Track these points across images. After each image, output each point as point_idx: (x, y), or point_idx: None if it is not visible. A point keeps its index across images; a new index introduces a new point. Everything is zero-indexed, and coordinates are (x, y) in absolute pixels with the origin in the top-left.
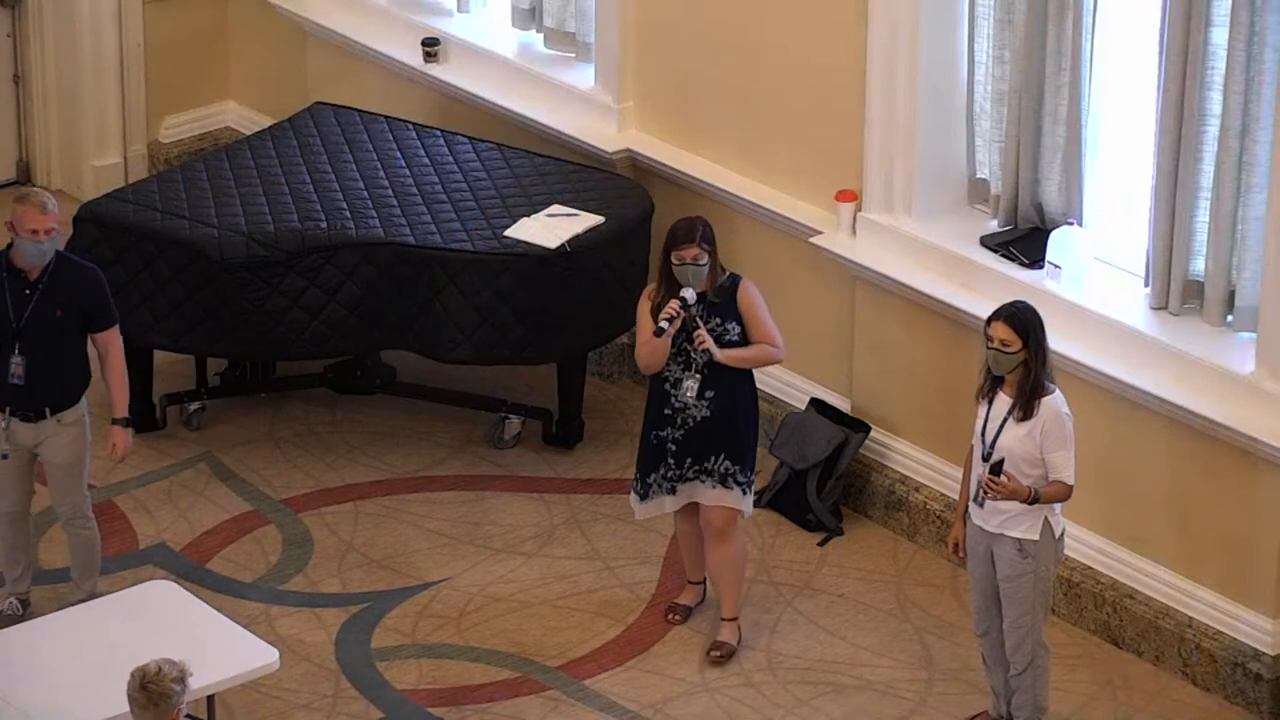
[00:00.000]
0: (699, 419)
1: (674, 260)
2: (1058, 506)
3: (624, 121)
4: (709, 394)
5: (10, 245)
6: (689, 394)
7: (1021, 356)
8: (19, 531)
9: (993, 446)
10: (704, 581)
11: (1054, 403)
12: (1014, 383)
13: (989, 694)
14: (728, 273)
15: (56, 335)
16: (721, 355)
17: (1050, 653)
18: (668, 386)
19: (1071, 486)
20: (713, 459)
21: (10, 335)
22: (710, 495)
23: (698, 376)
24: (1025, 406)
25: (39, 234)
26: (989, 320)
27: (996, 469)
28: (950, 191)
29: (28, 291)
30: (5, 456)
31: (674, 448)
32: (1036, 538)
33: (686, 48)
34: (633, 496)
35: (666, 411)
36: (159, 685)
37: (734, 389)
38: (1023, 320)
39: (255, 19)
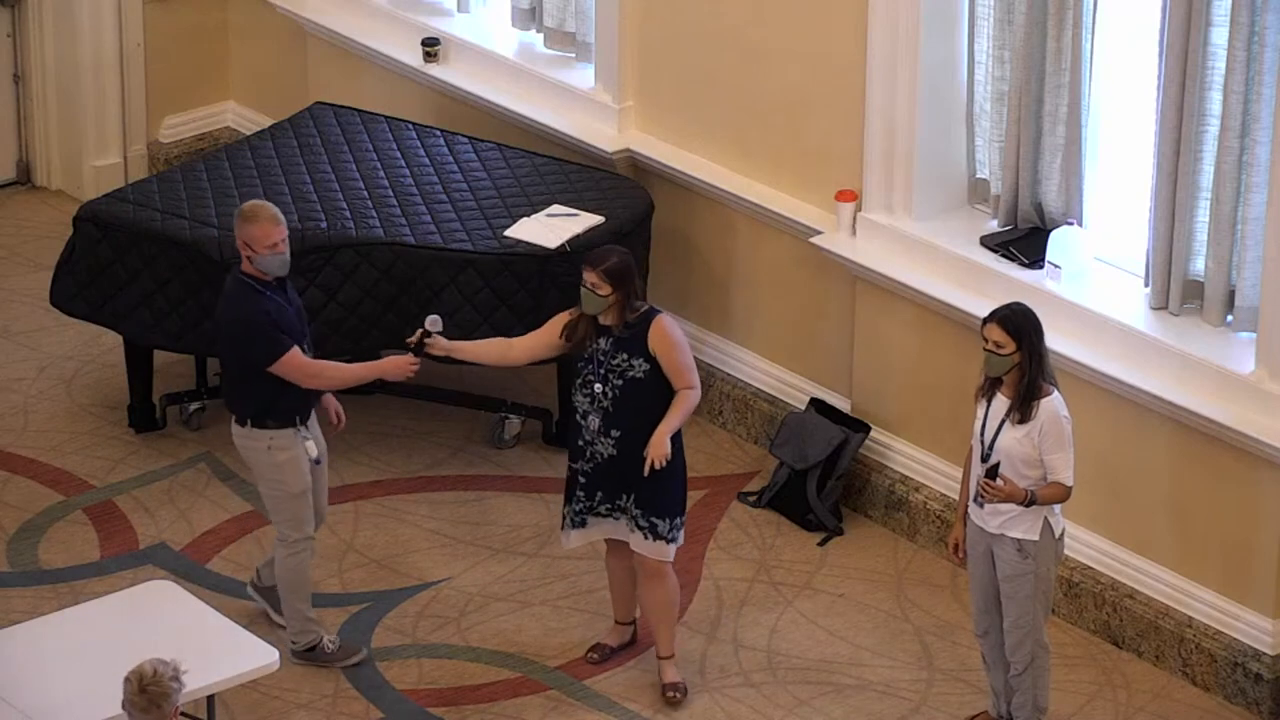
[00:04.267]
0: (606, 456)
1: (584, 282)
2: (1057, 507)
3: (624, 121)
4: (614, 433)
5: (239, 269)
6: (593, 429)
7: (1015, 359)
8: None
9: (991, 447)
10: (632, 623)
11: (1052, 405)
12: (1011, 384)
13: (989, 694)
14: (645, 307)
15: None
16: (664, 448)
17: (1050, 652)
18: (578, 417)
19: (1070, 488)
20: (624, 498)
21: (300, 340)
22: (629, 538)
23: (600, 413)
24: (1022, 409)
25: (279, 246)
26: (984, 321)
27: (992, 473)
28: (950, 191)
29: (286, 296)
30: (319, 461)
31: (584, 480)
32: (1036, 538)
33: (686, 47)
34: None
35: (579, 443)
36: (159, 686)
37: (647, 431)
38: (1015, 322)
39: (255, 19)
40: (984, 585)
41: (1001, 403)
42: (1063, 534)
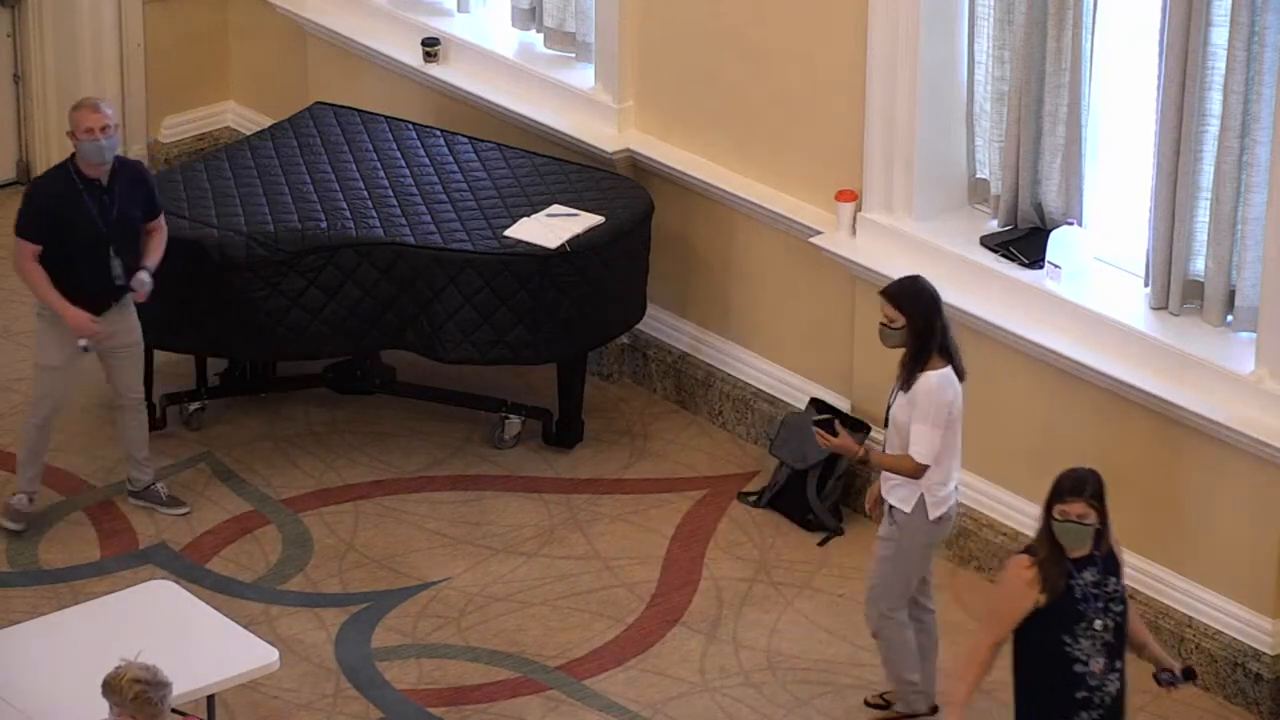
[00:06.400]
0: (1114, 694)
1: (1056, 515)
2: (941, 491)
3: (624, 121)
4: (1118, 664)
5: (73, 157)
6: (1097, 671)
7: (904, 333)
8: (47, 436)
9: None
10: None
11: (930, 378)
12: (905, 355)
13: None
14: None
15: (137, 232)
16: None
17: (904, 627)
18: (1079, 668)
19: (919, 465)
20: None
21: (104, 240)
22: None
23: (1105, 649)
24: (907, 378)
25: (95, 132)
26: (880, 295)
27: (827, 425)
28: (950, 191)
29: (105, 197)
30: (88, 350)
31: None
32: (907, 510)
33: (686, 48)
34: None
35: (1078, 695)
36: (158, 675)
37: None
38: (903, 297)
39: (255, 19)
40: None
41: None
42: (941, 519)
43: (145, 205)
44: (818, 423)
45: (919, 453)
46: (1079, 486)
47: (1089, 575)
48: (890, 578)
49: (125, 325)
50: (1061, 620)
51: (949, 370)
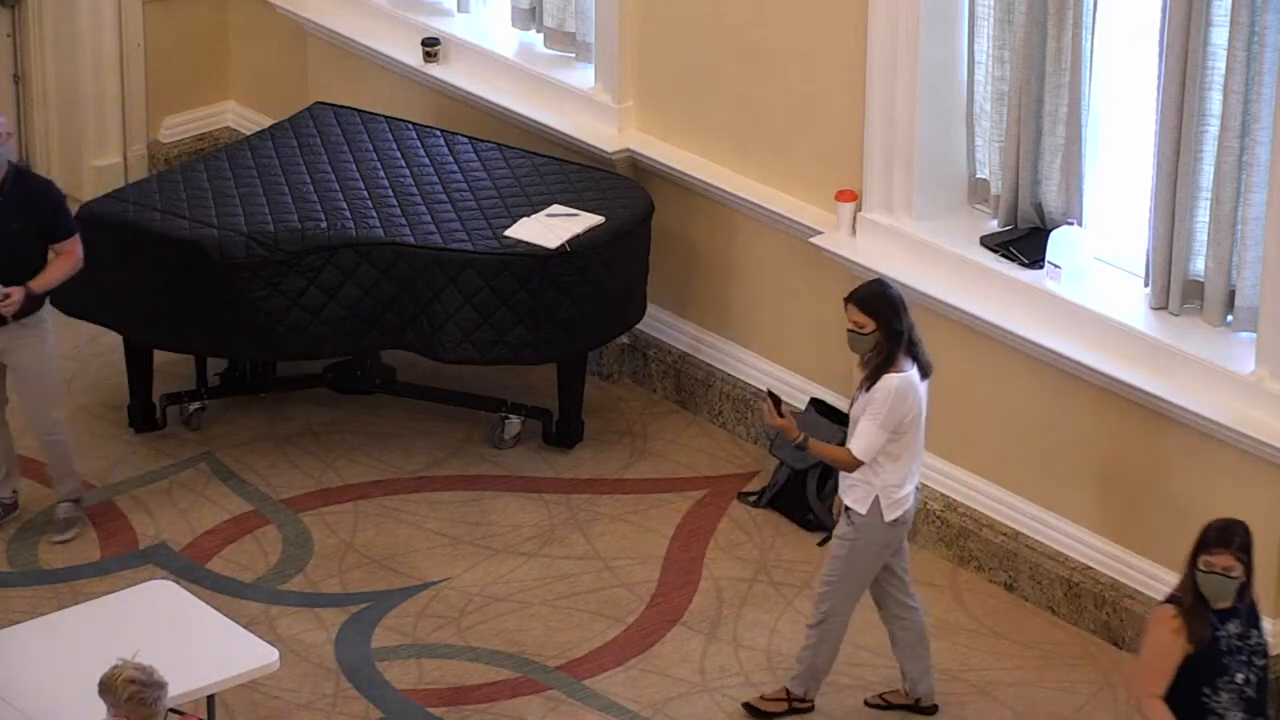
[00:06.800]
0: None
1: (1201, 566)
2: (896, 492)
3: (624, 121)
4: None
5: None
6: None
7: (875, 338)
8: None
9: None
10: None
11: (890, 380)
12: (871, 357)
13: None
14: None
15: (17, 246)
16: None
17: (843, 623)
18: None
19: (855, 460)
20: None
21: None
22: None
23: (1245, 704)
24: (871, 379)
25: None
26: (845, 301)
27: (776, 402)
28: (950, 191)
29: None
30: None
31: None
32: (863, 512)
33: (686, 48)
34: None
35: None
36: (153, 674)
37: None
38: (873, 303)
39: (255, 19)
40: None
41: None
42: (897, 522)
43: (45, 225)
44: (773, 397)
45: (858, 446)
46: (1226, 538)
47: (1232, 628)
48: (844, 576)
49: (15, 345)
50: (1205, 672)
51: (913, 373)
